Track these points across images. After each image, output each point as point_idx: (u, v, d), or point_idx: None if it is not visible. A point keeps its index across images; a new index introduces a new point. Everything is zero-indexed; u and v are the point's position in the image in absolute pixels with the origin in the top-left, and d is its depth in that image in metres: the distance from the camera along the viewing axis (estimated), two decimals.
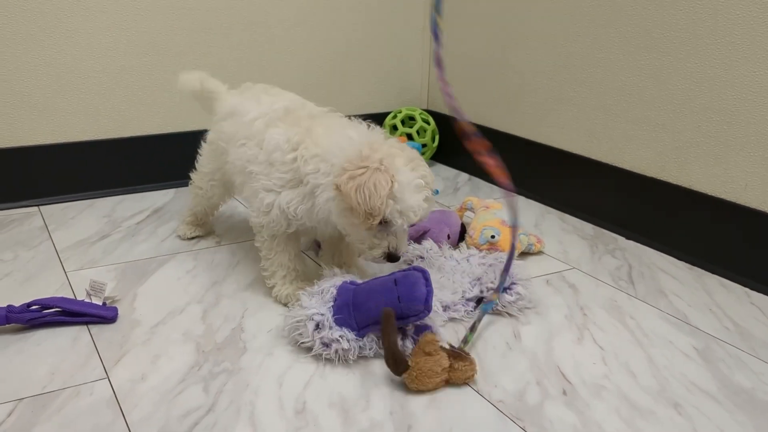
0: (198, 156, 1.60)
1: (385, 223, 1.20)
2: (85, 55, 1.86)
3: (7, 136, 1.82)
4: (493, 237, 1.54)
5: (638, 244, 1.69)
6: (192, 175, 1.63)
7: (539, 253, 1.62)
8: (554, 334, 1.27)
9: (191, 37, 1.95)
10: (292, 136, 1.30)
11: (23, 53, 1.79)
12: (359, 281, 1.24)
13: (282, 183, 1.30)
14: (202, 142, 1.59)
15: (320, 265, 1.49)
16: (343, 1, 2.19)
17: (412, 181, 1.20)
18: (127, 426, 1.00)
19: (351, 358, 1.15)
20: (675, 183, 1.63)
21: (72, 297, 1.36)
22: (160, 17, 1.92)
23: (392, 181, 1.18)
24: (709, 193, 1.56)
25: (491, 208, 1.66)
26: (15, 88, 1.80)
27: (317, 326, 1.16)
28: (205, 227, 1.70)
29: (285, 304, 1.36)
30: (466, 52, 2.22)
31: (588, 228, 1.80)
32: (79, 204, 1.89)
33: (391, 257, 1.24)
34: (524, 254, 1.59)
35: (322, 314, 1.17)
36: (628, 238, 1.72)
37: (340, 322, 1.16)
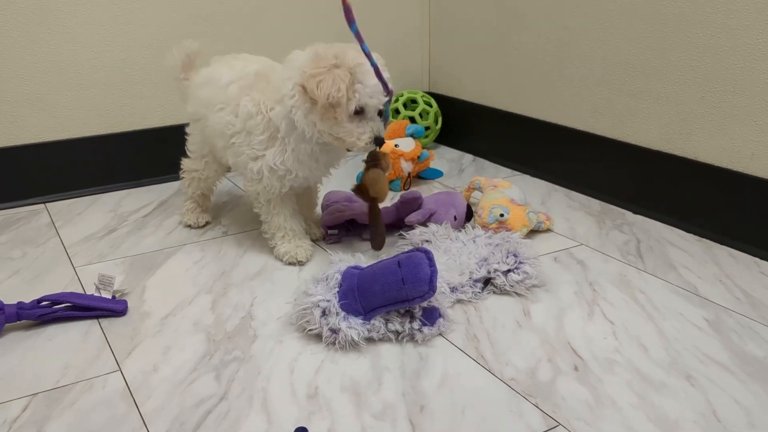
0: (187, 141, 1.64)
1: (361, 112, 1.32)
2: (85, 50, 1.86)
3: (11, 135, 1.83)
4: (501, 215, 1.54)
5: (646, 218, 1.68)
6: (184, 162, 1.66)
7: (547, 230, 1.61)
8: (564, 311, 1.27)
9: (191, 28, 1.94)
10: (259, 98, 1.39)
11: (23, 51, 1.79)
12: (363, 266, 1.24)
13: (264, 145, 1.39)
14: (186, 130, 1.64)
15: (329, 253, 1.50)
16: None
17: (368, 64, 1.31)
18: (141, 417, 1.00)
19: (360, 343, 1.15)
20: (680, 155, 1.62)
21: (81, 292, 1.36)
22: (159, 9, 1.91)
23: (350, 73, 1.29)
24: (716, 164, 1.55)
25: (499, 186, 1.65)
26: (17, 86, 1.80)
27: (324, 313, 1.16)
28: (209, 212, 1.72)
29: (290, 263, 1.47)
30: (466, 31, 2.20)
31: (595, 204, 1.79)
32: (84, 200, 1.89)
33: (377, 140, 1.35)
34: (533, 232, 1.59)
35: (328, 300, 1.17)
36: (635, 212, 1.72)
37: (346, 307, 1.16)
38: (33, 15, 1.78)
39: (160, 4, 1.91)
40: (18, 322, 1.23)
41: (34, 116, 1.84)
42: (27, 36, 1.78)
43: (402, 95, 2.27)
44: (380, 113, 1.37)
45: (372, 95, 1.32)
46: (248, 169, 1.43)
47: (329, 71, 1.28)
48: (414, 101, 2.26)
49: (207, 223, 1.70)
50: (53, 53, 1.82)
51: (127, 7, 1.88)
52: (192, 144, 1.64)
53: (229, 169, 1.68)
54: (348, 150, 1.39)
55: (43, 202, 1.87)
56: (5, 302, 1.23)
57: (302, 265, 1.48)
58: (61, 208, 1.84)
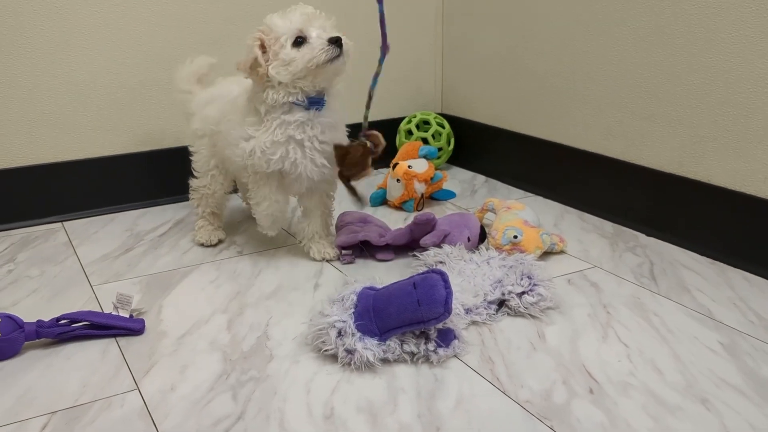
0: (192, 162, 1.69)
1: (303, 41, 1.41)
2: (104, 71, 1.89)
3: (30, 154, 1.86)
4: (515, 237, 1.54)
5: (659, 241, 1.69)
6: (191, 182, 1.71)
7: (561, 252, 1.62)
8: (578, 333, 1.28)
9: (208, 50, 1.97)
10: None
11: (43, 71, 1.82)
12: (379, 287, 1.25)
13: (254, 127, 1.48)
14: (190, 149, 1.69)
15: (344, 273, 1.51)
16: (358, 9, 2.20)
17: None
18: None
19: (375, 364, 1.15)
20: (693, 178, 1.63)
21: (99, 310, 1.38)
22: (177, 32, 1.95)
23: (259, 33, 1.43)
24: (729, 187, 1.56)
25: (513, 208, 1.66)
26: (36, 106, 1.83)
27: (339, 333, 1.17)
28: (221, 230, 1.75)
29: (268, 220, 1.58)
30: (479, 53, 2.22)
31: (608, 226, 1.80)
32: (101, 218, 1.92)
33: (332, 39, 1.41)
34: (546, 254, 1.60)
35: (344, 321, 1.18)
36: (648, 235, 1.72)
37: (361, 328, 1.17)
38: (54, 37, 1.81)
39: (177, 27, 1.95)
40: (37, 340, 1.24)
41: (53, 136, 1.87)
42: (48, 57, 1.82)
43: (415, 116, 2.28)
44: (335, 40, 1.42)
45: (290, 22, 1.41)
46: (240, 147, 1.48)
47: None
48: (427, 122, 2.28)
49: (220, 241, 1.72)
50: (73, 74, 1.85)
51: (146, 30, 1.91)
52: (197, 162, 1.69)
53: (235, 184, 1.75)
54: (314, 71, 1.43)
55: (61, 221, 1.90)
56: (24, 320, 1.24)
57: (277, 227, 1.60)
58: (78, 226, 1.86)
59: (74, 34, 1.83)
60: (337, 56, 1.42)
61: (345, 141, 1.53)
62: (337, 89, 1.53)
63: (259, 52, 1.42)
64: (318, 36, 1.42)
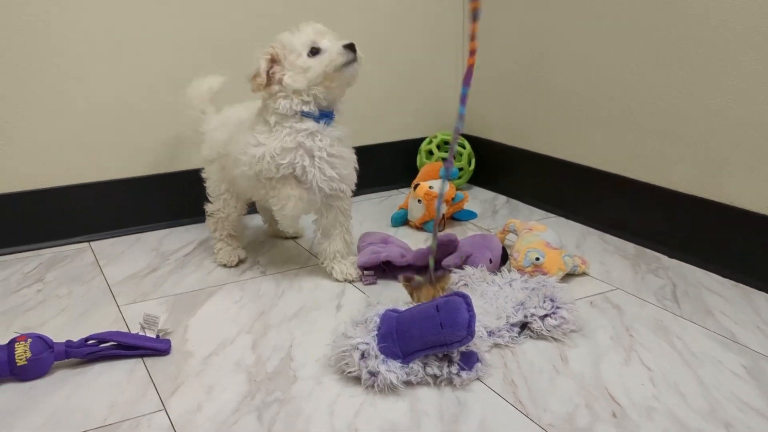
0: (205, 186, 1.74)
1: (317, 51, 1.48)
2: (132, 94, 1.93)
3: (58, 175, 1.89)
4: (537, 259, 1.55)
5: (681, 263, 1.69)
6: (206, 206, 1.75)
7: (583, 274, 1.62)
8: (601, 356, 1.28)
9: (231, 72, 2.00)
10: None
11: (71, 94, 1.86)
12: (402, 309, 1.27)
13: (264, 135, 1.51)
14: (202, 174, 1.74)
15: (366, 294, 1.52)
16: (380, 31, 2.23)
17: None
18: None
19: (399, 386, 1.16)
20: (715, 200, 1.63)
21: (126, 330, 1.40)
22: (200, 54, 1.98)
23: (270, 48, 1.50)
24: (751, 209, 1.56)
25: (534, 230, 1.67)
26: (64, 128, 1.87)
27: (363, 355, 1.18)
28: (241, 248, 1.77)
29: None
30: (499, 74, 2.24)
31: (630, 247, 1.80)
32: (127, 238, 1.95)
33: (347, 45, 1.47)
34: (568, 275, 1.60)
35: (367, 343, 1.19)
36: (670, 256, 1.72)
37: (384, 350, 1.18)
38: (83, 61, 1.85)
39: (201, 50, 1.98)
40: (66, 359, 1.27)
41: (81, 157, 1.91)
42: (76, 81, 1.86)
43: (435, 137, 2.30)
44: (350, 46, 1.48)
45: (306, 35, 1.49)
46: (249, 154, 1.51)
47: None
48: (448, 143, 2.30)
49: (241, 261, 1.74)
50: (101, 97, 1.89)
51: (173, 54, 1.95)
52: (210, 187, 1.73)
53: (249, 205, 1.78)
54: (331, 75, 1.49)
55: (88, 241, 1.93)
56: (54, 340, 1.27)
57: (295, 215, 1.58)
58: (105, 246, 1.89)
59: (103, 57, 1.88)
60: (352, 61, 1.48)
61: (353, 157, 1.58)
62: (343, 107, 1.59)
63: (263, 64, 1.48)
64: (331, 45, 1.49)
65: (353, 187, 1.62)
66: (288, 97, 1.50)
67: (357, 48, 1.49)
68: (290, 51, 1.49)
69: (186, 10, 1.95)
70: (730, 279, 1.59)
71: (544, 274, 1.52)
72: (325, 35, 1.51)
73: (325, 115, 1.53)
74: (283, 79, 1.49)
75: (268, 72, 1.49)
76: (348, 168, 1.57)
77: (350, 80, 1.53)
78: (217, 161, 1.69)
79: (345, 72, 1.49)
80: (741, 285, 1.56)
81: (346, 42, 1.48)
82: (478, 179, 2.37)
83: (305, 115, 1.51)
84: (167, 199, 2.02)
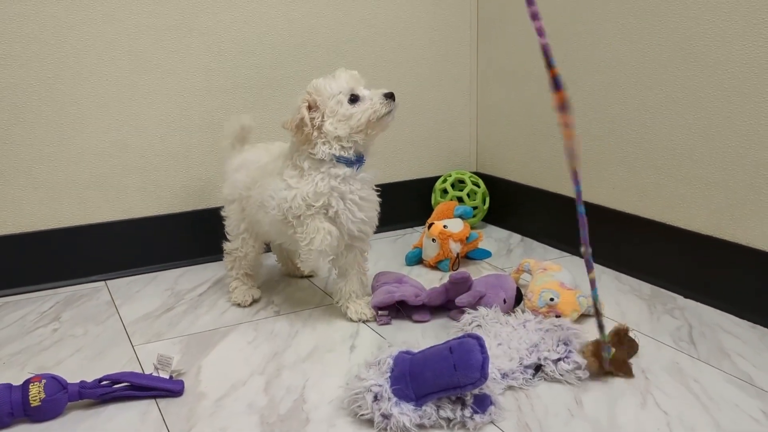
0: (225, 224, 1.76)
1: (356, 98, 1.51)
2: (149, 134, 1.96)
3: (76, 215, 1.92)
4: (552, 300, 1.54)
5: (697, 303, 1.67)
6: (225, 245, 1.76)
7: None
8: (617, 399, 1.26)
9: (245, 113, 2.04)
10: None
11: (92, 135, 1.90)
12: (415, 351, 1.26)
13: (295, 180, 1.52)
14: (222, 213, 1.76)
15: (381, 335, 1.52)
16: (393, 71, 2.26)
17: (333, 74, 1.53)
18: None
19: (411, 429, 1.15)
20: (731, 240, 1.62)
21: (140, 370, 1.40)
22: (218, 96, 2.02)
23: (308, 97, 1.50)
24: (767, 250, 1.54)
25: (549, 270, 1.66)
26: (84, 168, 1.90)
27: (376, 398, 1.18)
28: (256, 288, 1.78)
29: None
30: (513, 113, 2.25)
31: (645, 288, 1.78)
32: (143, 277, 1.96)
33: (387, 94, 1.51)
34: (583, 316, 1.59)
35: (380, 385, 1.18)
36: (686, 297, 1.70)
37: (398, 392, 1.18)
38: (104, 102, 1.89)
39: (219, 93, 2.01)
40: (80, 400, 1.27)
41: (99, 197, 1.94)
42: (97, 122, 1.89)
43: (450, 176, 2.31)
44: (391, 95, 1.51)
45: (347, 79, 1.51)
46: (279, 197, 1.52)
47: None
48: (462, 181, 2.30)
49: (254, 300, 1.75)
50: (120, 137, 1.93)
51: (190, 96, 1.98)
52: (229, 225, 1.75)
53: (266, 245, 1.79)
54: (373, 124, 1.51)
55: (104, 280, 1.94)
56: (68, 380, 1.28)
57: (327, 257, 1.55)
58: (120, 285, 1.91)
59: (123, 99, 1.91)
60: (392, 110, 1.52)
61: (377, 200, 1.59)
62: (373, 150, 1.61)
63: (306, 113, 1.49)
64: (371, 94, 1.52)
65: (374, 229, 1.63)
66: (327, 143, 1.50)
67: (395, 96, 1.52)
68: (329, 97, 1.50)
69: (201, 53, 1.98)
70: (747, 320, 1.57)
71: (559, 315, 1.51)
72: (360, 82, 1.53)
73: (359, 160, 1.55)
74: (324, 126, 1.50)
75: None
76: (373, 211, 1.59)
77: (385, 128, 1.55)
78: (237, 202, 1.70)
79: (386, 120, 1.52)
80: (758, 326, 1.54)
81: (386, 91, 1.51)
82: (493, 218, 2.37)
83: (340, 160, 1.52)
84: (183, 238, 2.04)
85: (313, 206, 1.50)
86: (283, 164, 1.56)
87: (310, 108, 1.50)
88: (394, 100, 1.51)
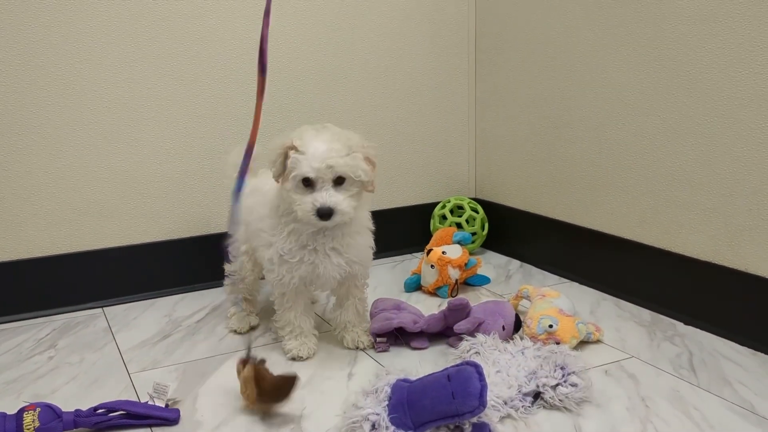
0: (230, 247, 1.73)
1: (308, 183, 1.41)
2: (148, 161, 1.97)
3: (74, 241, 1.92)
4: (551, 326, 1.53)
5: (698, 330, 1.66)
6: (225, 266, 1.74)
7: (597, 342, 1.60)
8: (617, 427, 1.25)
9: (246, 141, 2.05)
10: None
11: (90, 162, 1.90)
12: (413, 378, 1.25)
13: (273, 231, 1.50)
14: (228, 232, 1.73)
15: (378, 362, 1.51)
16: (391, 97, 2.27)
17: (315, 137, 1.42)
18: None
19: None
20: (730, 266, 1.61)
21: (135, 398, 1.39)
22: (219, 123, 2.03)
23: (292, 142, 1.42)
24: (767, 276, 1.54)
25: (548, 296, 1.66)
26: (82, 195, 1.91)
27: (373, 426, 1.17)
28: (254, 315, 1.77)
29: (293, 359, 1.56)
30: (512, 139, 2.26)
31: (645, 314, 1.78)
32: (141, 304, 1.95)
33: (320, 211, 1.39)
34: (583, 343, 1.58)
35: (378, 414, 1.17)
36: (686, 323, 1.70)
37: (395, 421, 1.17)
38: (103, 129, 1.90)
39: (219, 119, 2.02)
40: (75, 429, 1.26)
41: (97, 223, 1.94)
42: (96, 149, 1.90)
43: (449, 201, 2.31)
44: (340, 180, 1.42)
45: (309, 161, 1.39)
46: (264, 258, 1.53)
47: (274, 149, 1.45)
48: (461, 207, 2.31)
49: (252, 328, 1.74)
50: (119, 164, 1.93)
51: (189, 123, 1.99)
52: (232, 246, 1.72)
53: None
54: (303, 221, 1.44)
55: (101, 306, 1.94)
56: (63, 409, 1.26)
57: (303, 360, 1.55)
58: (117, 312, 1.90)
59: (122, 126, 1.92)
60: (326, 219, 1.41)
61: (366, 242, 1.56)
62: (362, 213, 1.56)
63: (279, 163, 1.44)
64: (315, 199, 1.40)
65: (369, 267, 1.60)
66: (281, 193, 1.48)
67: (338, 206, 1.40)
68: (296, 162, 1.41)
69: (201, 82, 1.99)
70: (748, 347, 1.56)
71: (558, 341, 1.51)
72: (336, 160, 1.39)
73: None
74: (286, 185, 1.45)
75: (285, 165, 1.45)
76: (360, 255, 1.54)
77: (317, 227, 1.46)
78: (243, 225, 1.67)
79: (319, 224, 1.43)
80: (759, 353, 1.53)
81: (324, 205, 1.40)
82: (492, 244, 2.37)
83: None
84: (181, 265, 2.04)
85: (292, 263, 1.48)
86: (270, 205, 1.53)
87: (286, 156, 1.43)
88: (327, 218, 1.40)
